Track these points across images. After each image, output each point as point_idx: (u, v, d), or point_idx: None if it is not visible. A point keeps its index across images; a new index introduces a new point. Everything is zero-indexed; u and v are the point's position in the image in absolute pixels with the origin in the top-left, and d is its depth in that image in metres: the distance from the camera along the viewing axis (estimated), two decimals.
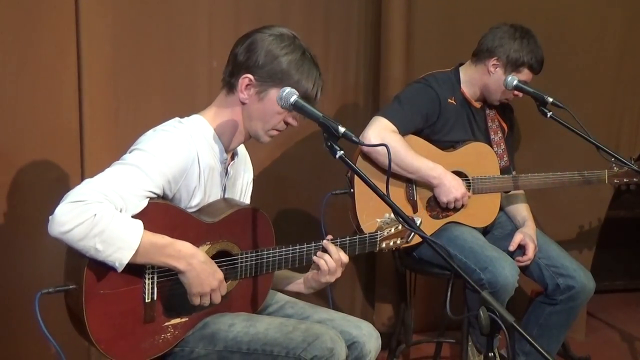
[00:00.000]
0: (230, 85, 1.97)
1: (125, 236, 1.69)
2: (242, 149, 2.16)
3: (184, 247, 1.80)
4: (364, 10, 3.20)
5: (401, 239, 2.23)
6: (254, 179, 2.24)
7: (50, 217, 1.64)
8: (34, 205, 2.48)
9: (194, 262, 1.80)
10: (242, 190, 2.17)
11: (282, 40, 1.92)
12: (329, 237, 2.04)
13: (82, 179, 2.57)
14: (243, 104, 1.95)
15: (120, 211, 1.71)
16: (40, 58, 2.52)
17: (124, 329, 1.79)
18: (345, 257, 2.03)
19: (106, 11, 2.62)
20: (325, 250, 2.02)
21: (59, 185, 2.58)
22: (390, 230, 2.19)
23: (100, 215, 1.65)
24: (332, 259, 2.00)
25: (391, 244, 2.21)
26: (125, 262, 1.70)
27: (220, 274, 1.86)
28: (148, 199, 1.77)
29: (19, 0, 2.47)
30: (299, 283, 2.14)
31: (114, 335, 1.78)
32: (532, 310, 2.81)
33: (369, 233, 2.16)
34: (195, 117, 1.97)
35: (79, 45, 2.57)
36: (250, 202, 2.17)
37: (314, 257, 2.02)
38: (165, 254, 1.77)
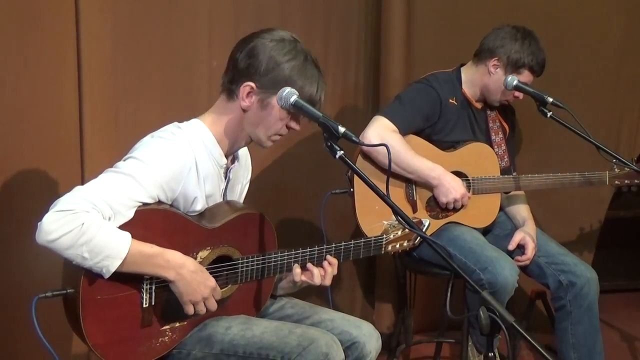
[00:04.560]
0: (230, 92, 1.93)
1: (113, 245, 1.68)
2: (242, 152, 2.12)
3: (174, 256, 1.78)
4: (364, 10, 3.19)
5: (408, 241, 2.21)
6: (252, 180, 2.24)
7: (38, 224, 1.63)
8: (33, 206, 2.46)
9: (184, 272, 1.78)
10: (240, 191, 2.16)
11: (284, 45, 1.89)
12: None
13: (82, 180, 2.59)
14: (244, 111, 1.92)
15: (109, 220, 1.70)
16: (40, 58, 2.52)
17: (121, 333, 1.78)
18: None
19: (106, 11, 2.62)
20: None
21: (58, 185, 2.57)
22: (397, 233, 2.17)
23: (88, 225, 1.64)
24: (322, 273, 2.00)
25: (397, 246, 2.19)
26: (112, 270, 1.69)
27: (212, 282, 1.85)
28: (135, 208, 1.75)
29: (19, 0, 2.47)
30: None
31: (110, 339, 1.77)
32: (558, 337, 2.75)
33: (374, 237, 2.14)
34: (194, 122, 1.94)
35: (79, 45, 2.56)
36: (249, 202, 2.16)
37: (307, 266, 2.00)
38: (154, 264, 1.75)
